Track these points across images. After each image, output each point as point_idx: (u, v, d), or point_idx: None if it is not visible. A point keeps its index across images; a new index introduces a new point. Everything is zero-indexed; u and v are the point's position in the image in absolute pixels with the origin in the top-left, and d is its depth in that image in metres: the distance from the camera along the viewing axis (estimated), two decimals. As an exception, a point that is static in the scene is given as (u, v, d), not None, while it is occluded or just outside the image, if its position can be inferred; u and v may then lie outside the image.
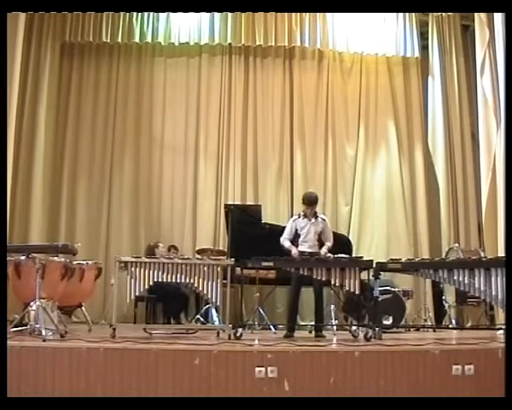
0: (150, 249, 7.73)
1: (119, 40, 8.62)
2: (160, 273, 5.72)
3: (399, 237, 8.80)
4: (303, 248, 6.36)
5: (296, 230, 6.44)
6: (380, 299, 6.17)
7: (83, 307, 6.60)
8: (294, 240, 6.42)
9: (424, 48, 9.06)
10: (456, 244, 8.03)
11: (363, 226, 8.87)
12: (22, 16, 7.25)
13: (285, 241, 6.41)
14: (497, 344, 5.08)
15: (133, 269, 5.70)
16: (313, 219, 6.43)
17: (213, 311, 7.19)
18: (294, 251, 6.29)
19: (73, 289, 6.19)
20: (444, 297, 7.79)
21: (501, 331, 5.87)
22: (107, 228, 8.64)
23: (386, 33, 8.90)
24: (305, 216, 6.45)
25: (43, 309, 5.31)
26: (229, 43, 8.82)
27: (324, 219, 6.54)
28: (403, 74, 9.24)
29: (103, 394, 4.48)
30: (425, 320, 7.77)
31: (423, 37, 9.07)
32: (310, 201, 6.45)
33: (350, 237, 8.31)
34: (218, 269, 5.82)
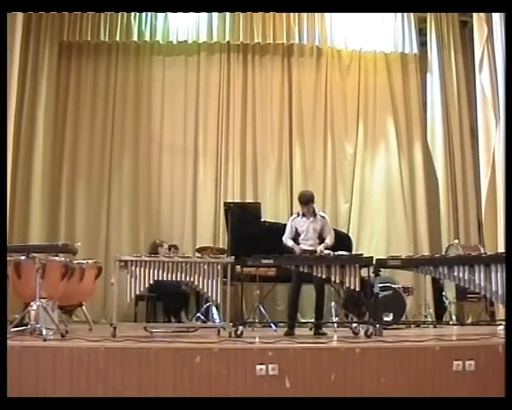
0: (155, 247, 7.74)
1: (118, 39, 8.61)
2: (161, 272, 5.71)
3: (399, 234, 8.80)
4: (304, 246, 6.34)
5: (296, 229, 6.42)
6: (380, 296, 6.15)
7: (83, 307, 6.61)
8: (295, 239, 6.41)
9: (423, 44, 9.04)
10: (456, 240, 8.04)
11: (363, 223, 8.86)
12: (20, 16, 7.24)
13: (287, 240, 6.40)
14: (498, 340, 5.07)
15: (133, 268, 5.69)
16: (312, 218, 6.40)
17: (214, 309, 7.18)
18: (297, 249, 6.29)
19: (74, 289, 6.19)
20: (444, 293, 7.78)
21: (501, 327, 5.87)
22: (107, 227, 8.63)
23: (385, 30, 8.88)
24: (303, 215, 6.42)
25: (43, 309, 5.31)
26: (228, 41, 8.80)
27: (324, 217, 6.51)
28: (401, 71, 9.22)
29: (104, 393, 4.48)
30: (425, 317, 7.77)
31: (422, 33, 9.04)
32: (305, 199, 6.41)
33: (350, 234, 8.32)
34: (218, 267, 5.81)
